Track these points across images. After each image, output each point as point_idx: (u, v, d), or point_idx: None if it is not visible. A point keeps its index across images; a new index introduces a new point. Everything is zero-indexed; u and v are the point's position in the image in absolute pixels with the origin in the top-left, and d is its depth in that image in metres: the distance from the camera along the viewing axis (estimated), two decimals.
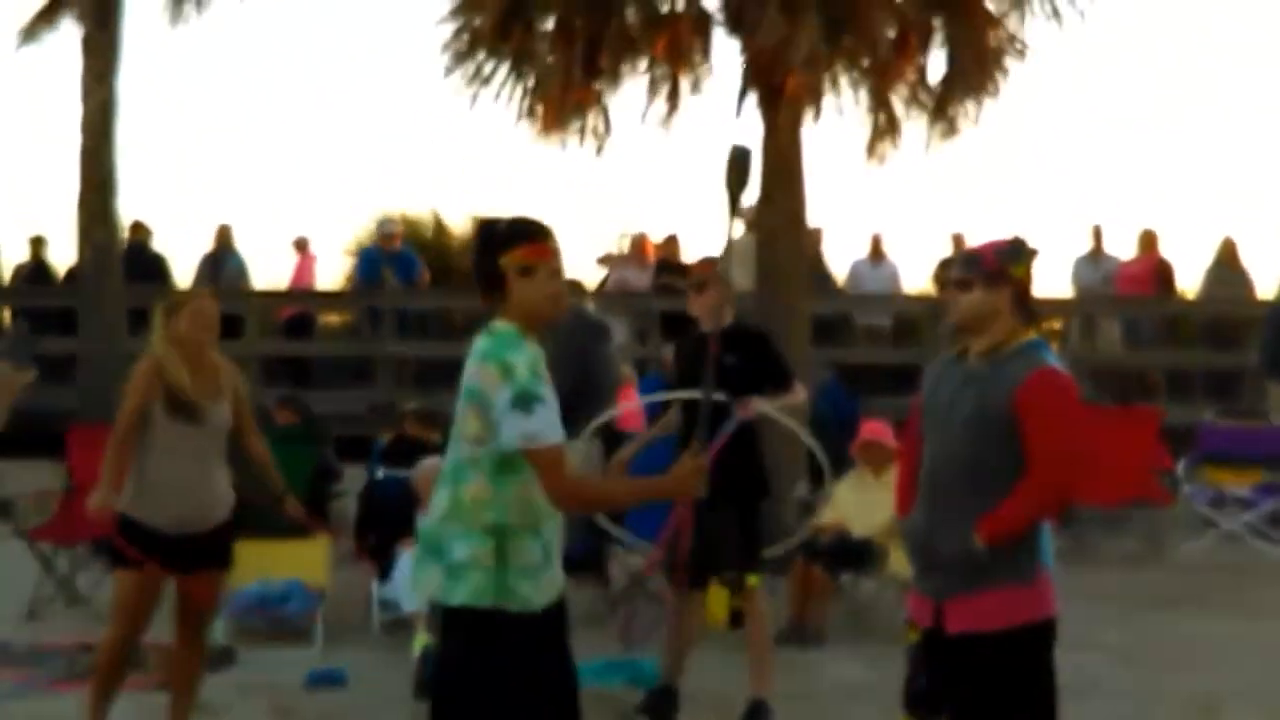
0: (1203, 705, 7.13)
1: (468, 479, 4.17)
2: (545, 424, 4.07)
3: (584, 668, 7.33)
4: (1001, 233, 4.43)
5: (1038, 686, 4.21)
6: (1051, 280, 17.16)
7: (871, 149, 11.60)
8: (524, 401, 4.05)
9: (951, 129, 11.60)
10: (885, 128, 11.56)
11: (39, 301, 16.41)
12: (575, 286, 10.11)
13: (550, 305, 4.25)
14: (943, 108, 11.52)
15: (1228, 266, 16.45)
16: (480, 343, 4.20)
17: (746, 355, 6.62)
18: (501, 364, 4.09)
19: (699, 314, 6.80)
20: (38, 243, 16.96)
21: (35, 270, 16.83)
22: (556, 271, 4.27)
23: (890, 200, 28.49)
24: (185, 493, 5.92)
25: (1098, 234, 16.92)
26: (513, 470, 4.13)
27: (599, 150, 11.81)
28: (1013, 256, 4.31)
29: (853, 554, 8.64)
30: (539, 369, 4.16)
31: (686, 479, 4.29)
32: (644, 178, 31.27)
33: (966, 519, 4.16)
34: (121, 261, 15.11)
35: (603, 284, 15.90)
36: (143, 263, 16.30)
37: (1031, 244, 4.39)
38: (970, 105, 11.58)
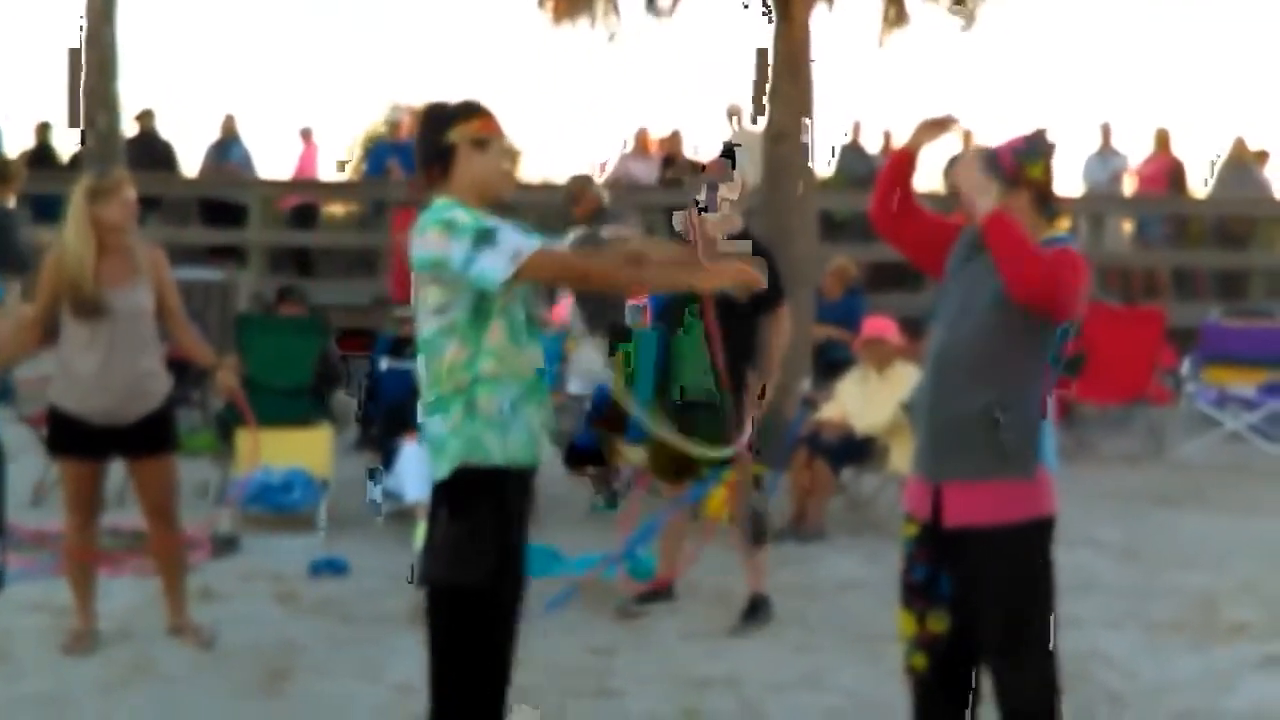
0: (1201, 601, 7.18)
1: (441, 351, 4.16)
2: (518, 241, 4.03)
3: (583, 560, 7.47)
4: (1017, 129, 4.34)
5: (1035, 583, 4.21)
6: (1061, 178, 17.07)
7: (881, 39, 11.49)
8: (485, 236, 4.02)
9: (970, 19, 11.46)
10: (894, 18, 11.44)
11: (43, 188, 16.30)
12: (588, 179, 10.04)
13: (502, 181, 4.28)
14: None
15: (1239, 166, 16.35)
16: (417, 221, 4.18)
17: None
18: (442, 223, 4.07)
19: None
20: (43, 128, 16.88)
21: (37, 155, 16.74)
22: (508, 150, 4.31)
23: (900, 96, 28.27)
24: (102, 384, 5.83)
25: (1106, 131, 16.83)
26: (487, 316, 4.11)
27: (611, 37, 11.70)
28: (1030, 156, 4.24)
29: (855, 450, 8.66)
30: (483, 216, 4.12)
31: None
32: (649, 73, 31.06)
33: (969, 395, 4.14)
34: (129, 148, 15.06)
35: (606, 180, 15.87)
36: (152, 151, 16.29)
37: (1050, 136, 4.31)
38: None
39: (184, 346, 6.18)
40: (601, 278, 4.32)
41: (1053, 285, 4.04)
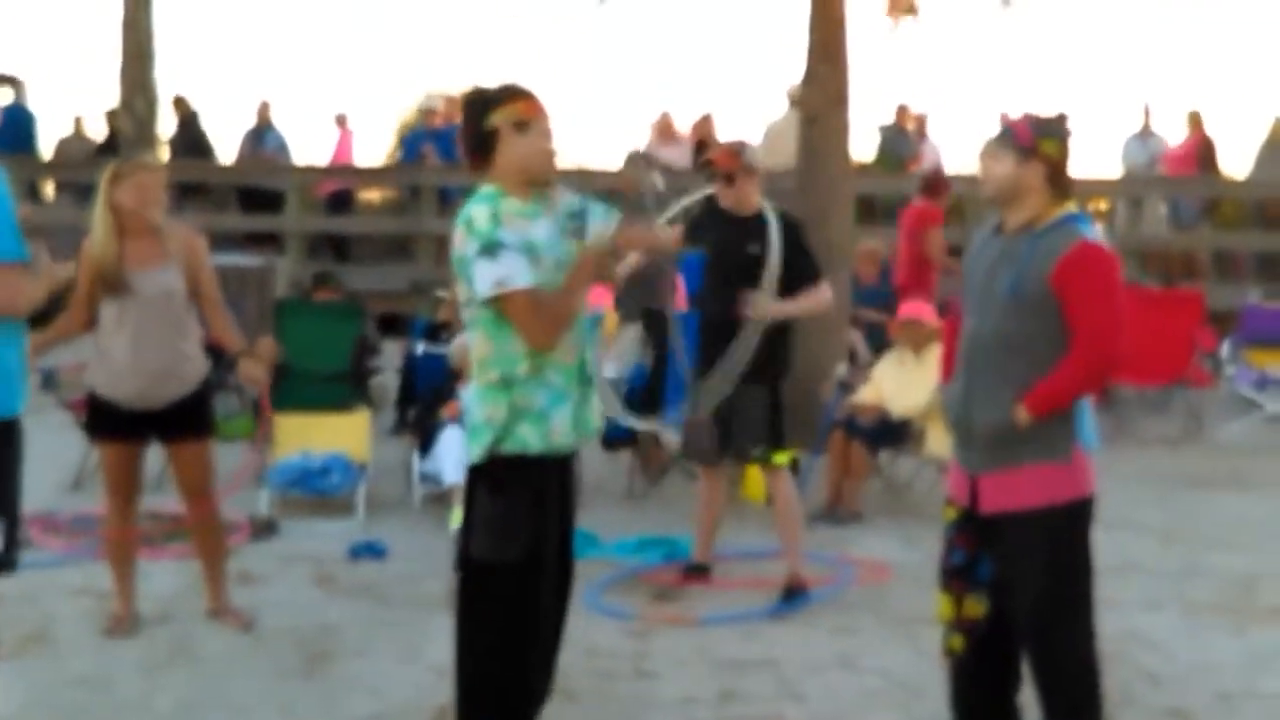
0: (1241, 584, 7.13)
1: (473, 343, 4.27)
2: (512, 268, 4.10)
3: (620, 544, 7.48)
4: (1046, 109, 4.33)
5: (1072, 565, 4.20)
6: (1101, 160, 16.95)
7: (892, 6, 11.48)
8: (489, 249, 4.10)
9: None
10: None
11: (80, 175, 16.37)
12: (645, 159, 9.95)
13: (545, 161, 4.29)
14: None
15: (1278, 146, 16.20)
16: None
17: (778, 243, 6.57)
18: (466, 220, 4.16)
19: (730, 206, 6.73)
20: (113, 115, 17.00)
21: (108, 143, 16.82)
22: (548, 131, 4.31)
23: (939, 80, 28.12)
24: (133, 367, 5.86)
25: (1147, 113, 16.72)
26: (507, 322, 4.17)
27: None
28: (1047, 131, 4.22)
29: (891, 432, 8.64)
30: (505, 217, 4.15)
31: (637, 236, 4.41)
32: (679, 56, 30.97)
33: (1003, 393, 4.14)
34: (171, 136, 15.18)
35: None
36: (191, 138, 16.37)
37: (1071, 122, 4.29)
38: None
39: (215, 332, 6.19)
40: (549, 330, 4.17)
41: (1112, 354, 4.08)
